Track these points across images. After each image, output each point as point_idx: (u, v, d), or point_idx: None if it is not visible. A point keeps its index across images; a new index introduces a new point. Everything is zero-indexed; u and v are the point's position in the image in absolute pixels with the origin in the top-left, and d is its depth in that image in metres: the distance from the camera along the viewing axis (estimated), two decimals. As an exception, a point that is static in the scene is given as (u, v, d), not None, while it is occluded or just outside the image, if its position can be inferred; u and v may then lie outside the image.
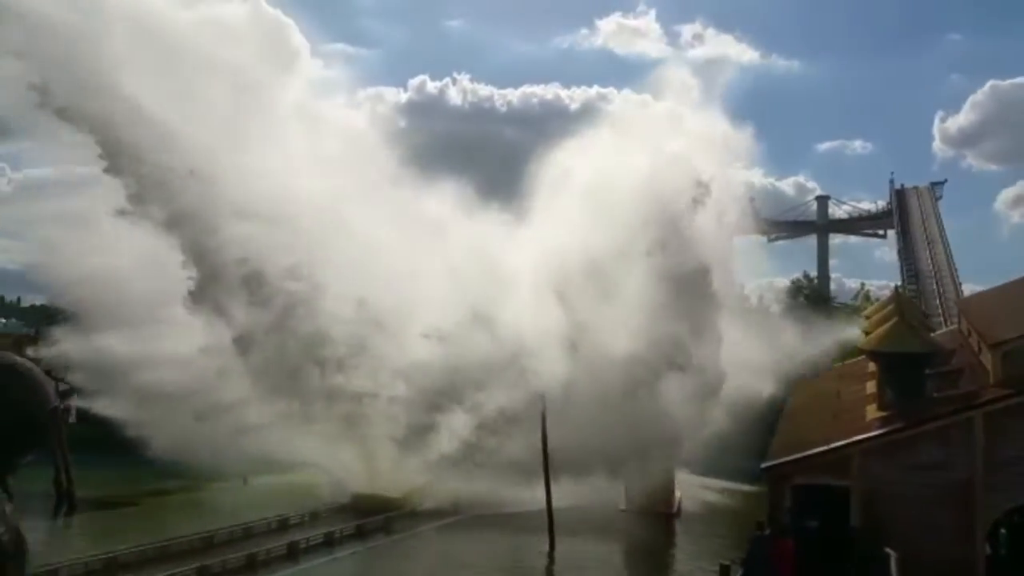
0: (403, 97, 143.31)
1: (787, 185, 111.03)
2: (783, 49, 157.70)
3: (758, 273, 60.60)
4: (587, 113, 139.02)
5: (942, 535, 15.67)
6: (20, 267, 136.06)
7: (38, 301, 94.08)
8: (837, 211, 76.22)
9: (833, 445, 17.11)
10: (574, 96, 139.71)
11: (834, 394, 21.56)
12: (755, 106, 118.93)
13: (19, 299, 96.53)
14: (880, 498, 16.16)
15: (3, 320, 73.06)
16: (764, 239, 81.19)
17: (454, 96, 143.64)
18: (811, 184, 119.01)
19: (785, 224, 79.61)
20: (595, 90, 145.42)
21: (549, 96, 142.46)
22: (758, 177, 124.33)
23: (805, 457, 17.46)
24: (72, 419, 30.85)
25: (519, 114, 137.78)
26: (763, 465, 18.08)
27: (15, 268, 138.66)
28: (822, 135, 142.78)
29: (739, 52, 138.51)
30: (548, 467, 22.98)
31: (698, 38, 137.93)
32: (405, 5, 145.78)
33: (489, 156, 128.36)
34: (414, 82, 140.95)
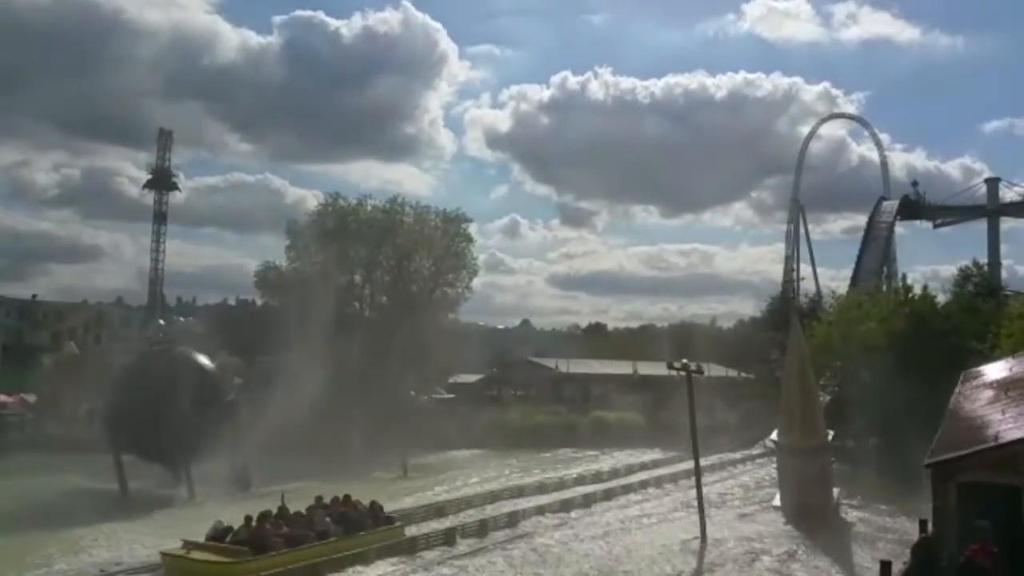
0: (545, 94, 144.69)
1: (952, 167, 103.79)
2: (945, 24, 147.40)
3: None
4: (733, 101, 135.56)
5: None
6: (196, 269, 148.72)
7: (212, 300, 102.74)
8: (1008, 194, 70.78)
9: (1003, 441, 16.03)
10: (720, 84, 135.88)
11: (1004, 386, 20.12)
12: (916, 85, 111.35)
13: (194, 299, 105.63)
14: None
15: (182, 318, 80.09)
16: (929, 224, 76.57)
17: (596, 90, 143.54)
18: (978, 166, 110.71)
19: (952, 208, 74.81)
20: (742, 76, 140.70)
21: (693, 85, 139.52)
22: (920, 159, 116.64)
23: (972, 453, 16.44)
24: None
25: (662, 105, 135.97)
26: (926, 462, 17.18)
27: (190, 270, 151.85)
28: (989, 114, 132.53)
29: (898, 30, 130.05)
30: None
31: (852, 17, 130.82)
32: (548, 3, 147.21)
33: (632, 149, 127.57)
34: (556, 79, 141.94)
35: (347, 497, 20.95)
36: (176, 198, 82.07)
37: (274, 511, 19.27)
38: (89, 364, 52.18)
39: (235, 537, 17.96)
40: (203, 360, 32.67)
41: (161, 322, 57.76)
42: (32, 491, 28.24)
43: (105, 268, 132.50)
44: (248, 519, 18.48)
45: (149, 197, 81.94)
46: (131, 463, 30.10)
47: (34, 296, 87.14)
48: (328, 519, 19.55)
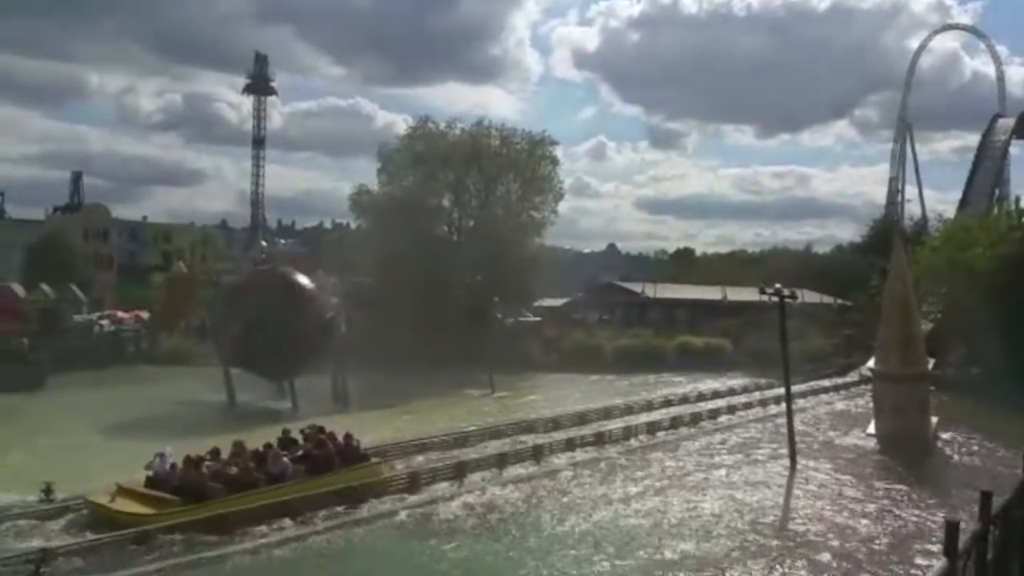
0: (636, 9, 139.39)
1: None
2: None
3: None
4: (837, 12, 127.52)
5: None
6: (293, 193, 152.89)
7: (309, 223, 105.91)
8: None
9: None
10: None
11: None
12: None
13: (293, 223, 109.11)
14: None
15: (282, 240, 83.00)
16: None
17: (689, 3, 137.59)
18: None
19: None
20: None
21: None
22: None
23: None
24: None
25: (760, 18, 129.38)
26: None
27: (289, 194, 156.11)
28: None
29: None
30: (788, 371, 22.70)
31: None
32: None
33: (726, 66, 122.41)
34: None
35: (319, 429, 18.61)
36: (273, 123, 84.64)
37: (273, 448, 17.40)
38: (197, 282, 55.08)
39: (173, 481, 16.03)
40: (303, 280, 33.97)
41: (263, 243, 60.05)
42: (148, 400, 30.61)
43: (208, 191, 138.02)
44: (188, 459, 16.43)
45: (248, 123, 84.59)
46: (239, 376, 31.91)
47: (144, 218, 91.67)
48: (286, 459, 17.09)
